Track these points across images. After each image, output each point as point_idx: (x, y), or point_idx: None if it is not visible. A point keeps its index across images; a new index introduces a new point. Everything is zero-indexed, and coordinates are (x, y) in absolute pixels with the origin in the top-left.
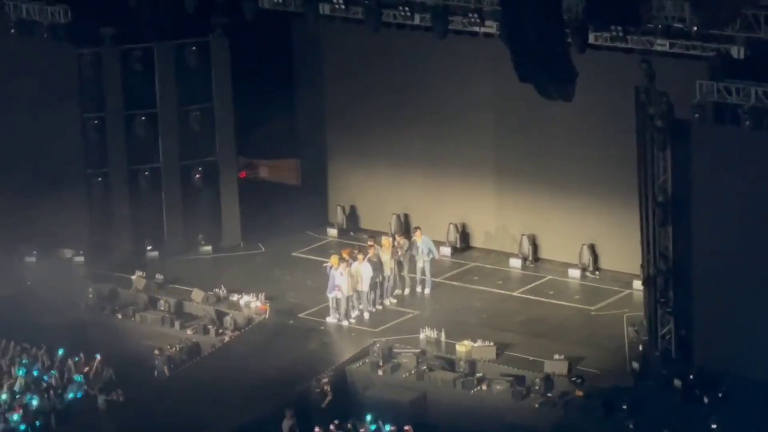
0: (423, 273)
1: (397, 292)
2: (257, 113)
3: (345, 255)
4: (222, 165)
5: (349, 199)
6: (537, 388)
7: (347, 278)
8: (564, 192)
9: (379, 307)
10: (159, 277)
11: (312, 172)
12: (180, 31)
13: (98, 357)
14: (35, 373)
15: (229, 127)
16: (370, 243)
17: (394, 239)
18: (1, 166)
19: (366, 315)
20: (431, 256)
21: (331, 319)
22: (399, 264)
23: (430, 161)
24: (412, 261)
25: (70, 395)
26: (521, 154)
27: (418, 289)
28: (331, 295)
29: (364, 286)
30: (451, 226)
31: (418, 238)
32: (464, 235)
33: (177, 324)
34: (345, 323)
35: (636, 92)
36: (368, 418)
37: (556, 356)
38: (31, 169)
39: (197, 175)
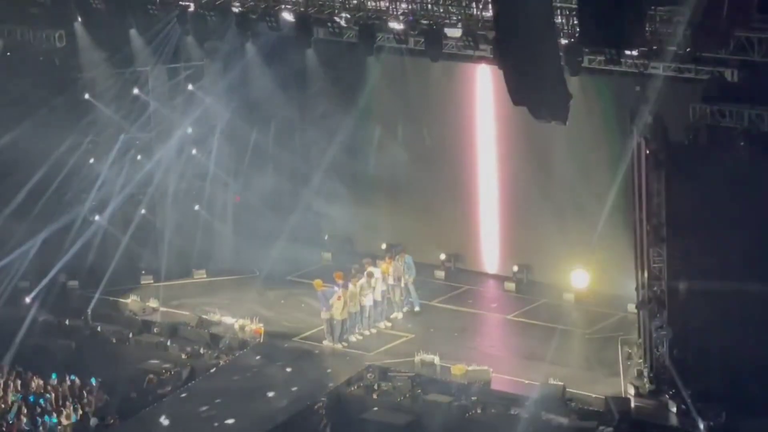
0: (409, 293)
1: (393, 315)
2: None
3: (338, 278)
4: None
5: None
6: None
7: (342, 301)
8: (557, 215)
9: (373, 331)
10: (153, 300)
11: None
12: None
13: (93, 382)
14: (31, 399)
15: None
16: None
17: (391, 259)
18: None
19: (370, 331)
20: (413, 275)
21: (327, 342)
22: (396, 284)
23: (420, 186)
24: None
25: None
26: (514, 177)
27: (412, 309)
28: (323, 317)
29: (377, 296)
30: (444, 252)
31: (401, 259)
32: (458, 258)
33: (171, 348)
34: (339, 346)
35: (630, 115)
36: None
37: (551, 379)
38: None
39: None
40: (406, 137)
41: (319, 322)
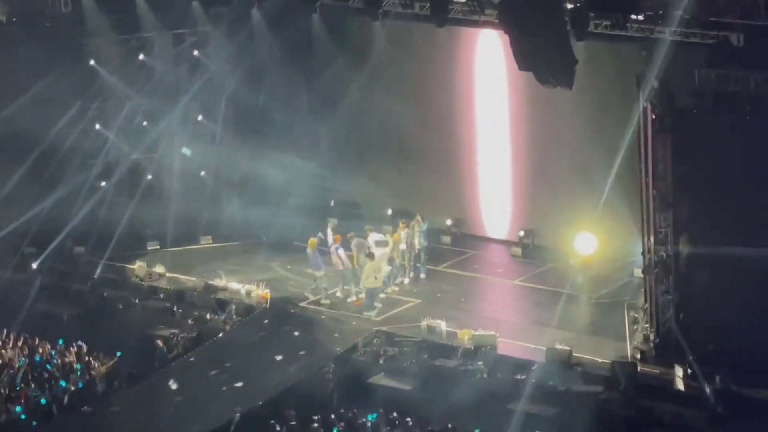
0: (419, 259)
1: (399, 280)
2: None
3: (337, 240)
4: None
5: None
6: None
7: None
8: (564, 180)
9: (383, 295)
10: (160, 266)
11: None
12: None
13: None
14: (37, 361)
15: None
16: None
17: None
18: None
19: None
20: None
21: (338, 293)
22: (406, 250)
23: (426, 151)
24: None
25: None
26: (521, 142)
27: (421, 275)
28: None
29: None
30: (450, 217)
31: (418, 224)
32: (464, 223)
33: (178, 313)
34: (352, 299)
35: (636, 80)
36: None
37: (558, 344)
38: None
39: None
40: (412, 102)
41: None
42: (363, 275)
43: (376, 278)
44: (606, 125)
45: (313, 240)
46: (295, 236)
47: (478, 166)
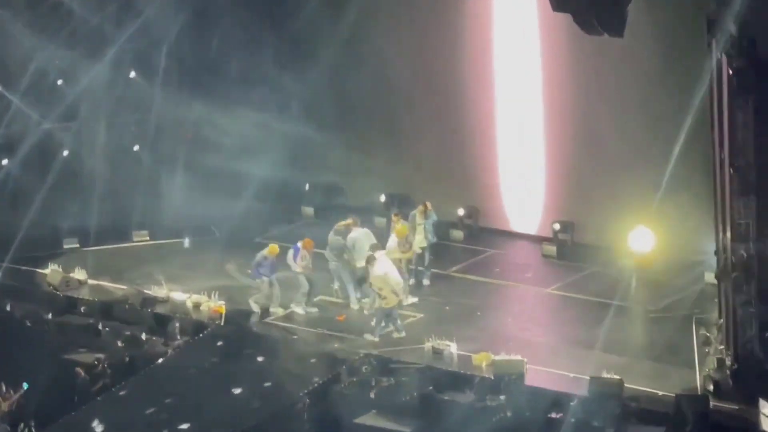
0: (422, 261)
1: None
2: None
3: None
4: None
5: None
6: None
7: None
8: (611, 158)
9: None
10: (80, 271)
11: None
12: None
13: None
14: None
15: None
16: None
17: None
18: None
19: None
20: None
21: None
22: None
23: (430, 121)
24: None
25: None
26: (554, 109)
27: (425, 282)
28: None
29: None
30: (462, 206)
31: (422, 214)
32: (481, 214)
33: (104, 332)
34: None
35: (707, 25)
36: None
37: (605, 372)
38: None
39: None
40: (412, 54)
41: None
42: (378, 291)
43: (394, 293)
44: (668, 85)
45: (274, 246)
46: (258, 230)
47: (498, 140)
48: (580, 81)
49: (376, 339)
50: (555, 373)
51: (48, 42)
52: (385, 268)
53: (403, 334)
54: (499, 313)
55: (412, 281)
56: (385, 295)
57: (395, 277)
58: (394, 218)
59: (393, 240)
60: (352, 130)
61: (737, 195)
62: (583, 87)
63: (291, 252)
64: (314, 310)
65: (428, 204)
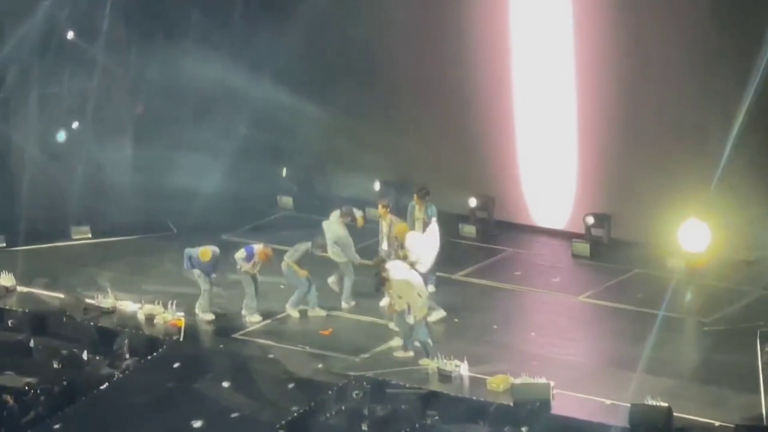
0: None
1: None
2: None
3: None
4: None
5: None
6: None
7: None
8: (655, 139)
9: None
10: (7, 276)
11: None
12: None
13: None
14: None
15: None
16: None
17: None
18: None
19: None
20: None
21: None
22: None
23: (437, 94)
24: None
25: None
26: (586, 82)
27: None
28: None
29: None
30: (475, 196)
31: (421, 208)
32: (497, 205)
33: (37, 351)
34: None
35: None
36: None
37: (650, 398)
38: None
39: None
40: (415, 10)
41: (276, 310)
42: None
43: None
44: (725, 53)
45: (205, 250)
46: (226, 226)
47: (518, 115)
48: (620, 51)
49: (411, 354)
50: (588, 399)
51: None
52: (403, 271)
53: (411, 353)
54: (520, 327)
55: None
56: (408, 304)
57: (417, 280)
58: (381, 211)
59: (383, 224)
60: (338, 101)
61: None
62: (622, 60)
63: (243, 251)
64: (323, 312)
65: (425, 191)
